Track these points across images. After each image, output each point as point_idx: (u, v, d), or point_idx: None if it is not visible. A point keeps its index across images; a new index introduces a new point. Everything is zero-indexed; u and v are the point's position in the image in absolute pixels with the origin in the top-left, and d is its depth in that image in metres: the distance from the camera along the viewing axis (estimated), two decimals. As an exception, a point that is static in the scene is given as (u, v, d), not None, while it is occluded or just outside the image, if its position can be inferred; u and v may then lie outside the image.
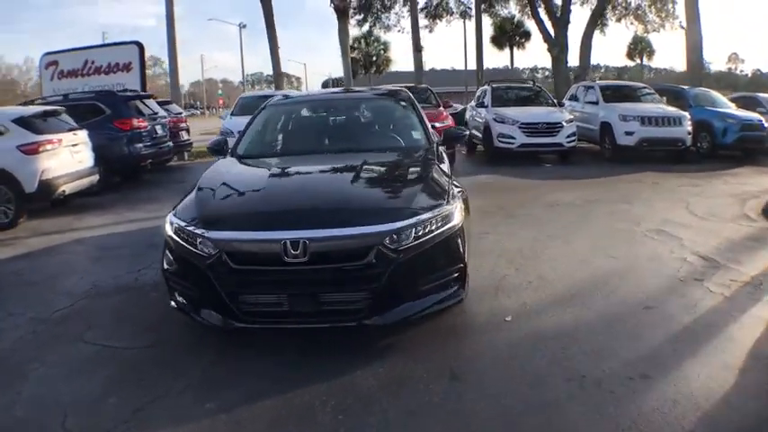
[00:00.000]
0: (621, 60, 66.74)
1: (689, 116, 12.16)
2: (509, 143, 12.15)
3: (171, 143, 12.93)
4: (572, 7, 20.29)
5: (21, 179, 7.97)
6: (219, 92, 76.49)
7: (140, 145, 11.20)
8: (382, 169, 4.35)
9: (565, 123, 12.05)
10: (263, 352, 3.61)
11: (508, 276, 4.88)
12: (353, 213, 3.54)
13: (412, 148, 4.92)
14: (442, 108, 13.18)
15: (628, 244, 5.72)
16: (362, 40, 46.47)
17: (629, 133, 11.95)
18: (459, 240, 3.71)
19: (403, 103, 5.62)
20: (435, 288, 3.60)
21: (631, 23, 23.83)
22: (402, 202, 3.67)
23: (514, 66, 51.39)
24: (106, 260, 5.98)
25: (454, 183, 4.27)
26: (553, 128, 11.97)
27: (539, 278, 4.80)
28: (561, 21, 19.38)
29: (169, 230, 3.83)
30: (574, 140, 12.20)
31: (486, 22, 25.40)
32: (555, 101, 13.74)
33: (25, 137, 8.12)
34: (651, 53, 58.33)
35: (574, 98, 14.69)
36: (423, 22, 23.57)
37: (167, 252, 3.83)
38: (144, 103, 12.50)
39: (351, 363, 3.40)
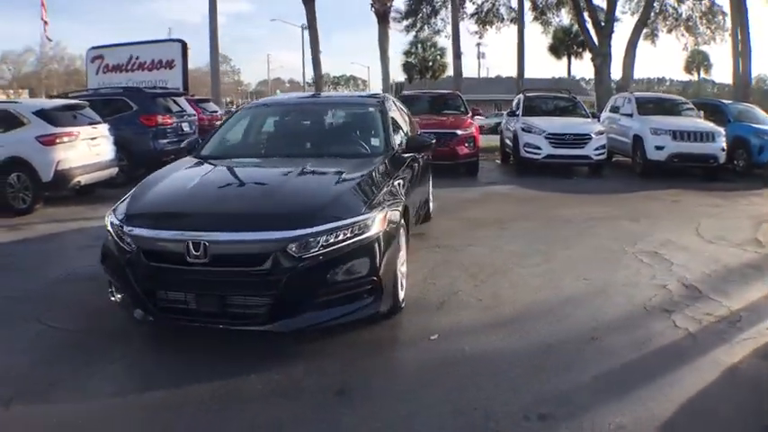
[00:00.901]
0: (684, 75, 63.91)
1: (723, 132, 11.39)
2: (535, 153, 11.73)
3: (199, 140, 13.18)
4: (623, 17, 19.71)
5: (38, 168, 8.32)
6: (278, 91, 77.96)
7: (165, 141, 11.45)
8: (315, 176, 4.24)
9: (593, 135, 11.51)
10: (185, 347, 3.69)
11: (461, 293, 4.64)
12: (258, 218, 3.53)
13: (368, 154, 4.83)
14: (469, 116, 12.87)
15: (610, 266, 5.34)
16: (419, 45, 46.40)
17: (659, 148, 11.27)
18: (374, 252, 3.58)
19: (371, 110, 5.51)
20: (344, 299, 3.54)
21: (682, 35, 22.76)
22: (314, 209, 3.58)
23: (571, 75, 50.04)
24: (95, 249, 6.09)
25: (397, 191, 4.20)
26: (581, 139, 11.47)
27: (492, 297, 4.53)
28: (605, 30, 18.65)
29: (107, 225, 3.95)
30: (602, 153, 11.64)
31: (540, 30, 24.66)
32: (588, 112, 13.20)
33: (44, 128, 8.45)
34: (708, 67, 55.79)
35: (612, 110, 14.04)
36: (473, 28, 23.36)
37: (103, 246, 4.00)
38: (173, 101, 12.79)
39: (252, 366, 3.39)
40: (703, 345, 3.64)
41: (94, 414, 2.98)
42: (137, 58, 17.84)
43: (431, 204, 7.46)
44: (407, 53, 49.05)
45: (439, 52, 48.78)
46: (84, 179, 8.91)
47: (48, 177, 8.32)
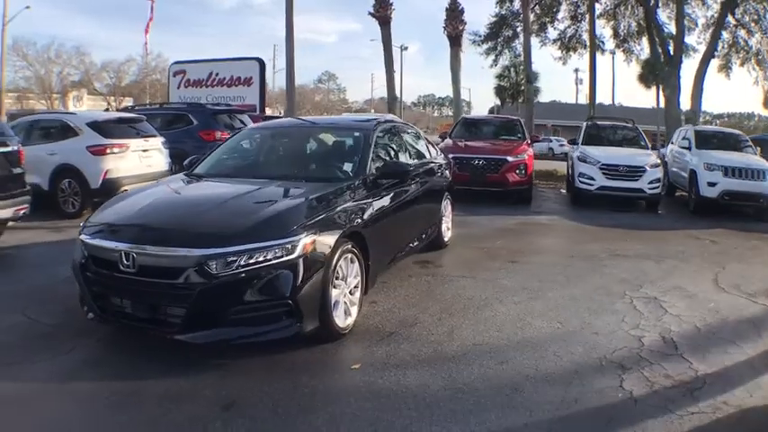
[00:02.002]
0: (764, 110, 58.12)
1: None
2: (588, 184, 11.21)
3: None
4: (700, 48, 18.56)
5: (87, 176, 9.00)
6: (372, 110, 79.71)
7: (221, 156, 11.94)
8: (259, 197, 4.27)
9: (648, 168, 10.84)
10: (134, 348, 3.97)
11: (419, 325, 4.48)
12: (180, 235, 3.70)
13: (335, 179, 4.80)
14: (525, 142, 12.46)
15: (597, 310, 4.92)
16: (511, 69, 45.81)
17: (711, 184, 10.40)
18: (291, 275, 3.62)
19: (356, 134, 5.51)
20: (259, 318, 3.62)
21: (753, 69, 20.92)
22: (233, 230, 3.68)
23: (660, 105, 47.19)
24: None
25: (347, 217, 4.23)
26: (635, 172, 10.85)
27: (447, 333, 4.34)
28: (674, 60, 17.55)
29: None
30: (657, 187, 10.93)
31: (625, 57, 23.46)
32: (648, 143, 12.41)
33: (95, 139, 9.14)
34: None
35: (675, 143, 13.23)
36: (556, 53, 22.75)
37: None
38: (237, 118, 13.37)
39: (170, 371, 3.59)
40: (638, 413, 3.19)
41: (19, 392, 3.39)
42: (217, 75, 18.73)
43: (447, 232, 7.29)
44: (500, 77, 48.40)
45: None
46: (131, 188, 9.48)
47: (96, 184, 8.96)
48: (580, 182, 11.39)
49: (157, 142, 10.14)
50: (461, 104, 20.45)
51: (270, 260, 3.57)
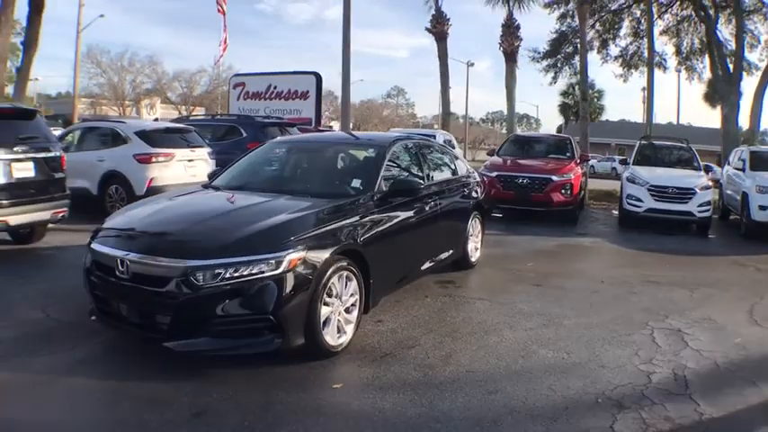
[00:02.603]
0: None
1: None
2: (636, 206, 10.74)
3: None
4: (761, 64, 17.43)
5: (133, 183, 9.40)
6: (435, 126, 79.71)
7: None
8: (256, 211, 4.31)
9: (698, 190, 10.28)
10: (132, 350, 4.14)
11: (417, 348, 4.38)
12: (170, 245, 3.82)
13: (341, 195, 4.79)
14: (573, 161, 12.09)
15: (610, 342, 4.65)
16: (576, 86, 44.85)
17: (763, 207, 9.68)
18: (275, 290, 3.63)
19: (370, 151, 5.50)
20: (241, 331, 3.67)
21: None
22: (224, 242, 3.75)
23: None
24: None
25: (345, 233, 4.21)
26: (684, 194, 10.31)
27: (443, 357, 4.21)
28: (732, 77, 16.54)
29: None
30: (707, 210, 10.36)
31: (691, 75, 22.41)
32: (700, 164, 11.75)
33: (142, 148, 9.54)
34: None
35: (730, 164, 12.52)
36: (618, 71, 22.05)
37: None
38: (286, 130, 13.63)
39: (150, 375, 3.71)
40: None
41: (10, 381, 3.64)
42: (275, 88, 19.03)
43: (475, 252, 7.12)
44: (564, 94, 47.39)
45: (596, 94, 46.67)
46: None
47: (141, 191, 9.33)
48: (628, 203, 10.95)
49: (203, 152, 10.46)
50: (515, 120, 20.03)
51: (254, 274, 3.59)
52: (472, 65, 57.89)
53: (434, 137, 15.19)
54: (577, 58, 19.88)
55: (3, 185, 6.13)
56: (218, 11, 25.21)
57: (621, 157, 23.09)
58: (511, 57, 18.40)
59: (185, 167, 9.99)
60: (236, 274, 3.56)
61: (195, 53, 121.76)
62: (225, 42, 26.24)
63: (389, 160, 5.35)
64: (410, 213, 5.26)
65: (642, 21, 18.95)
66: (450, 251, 6.34)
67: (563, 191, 11.00)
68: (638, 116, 57.94)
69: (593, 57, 22.51)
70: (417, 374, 3.89)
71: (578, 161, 12.38)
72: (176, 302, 3.59)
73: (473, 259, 7.09)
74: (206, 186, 5.41)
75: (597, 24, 20.49)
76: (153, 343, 3.82)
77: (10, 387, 3.57)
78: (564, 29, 20.08)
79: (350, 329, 4.26)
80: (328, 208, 4.36)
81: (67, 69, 38.19)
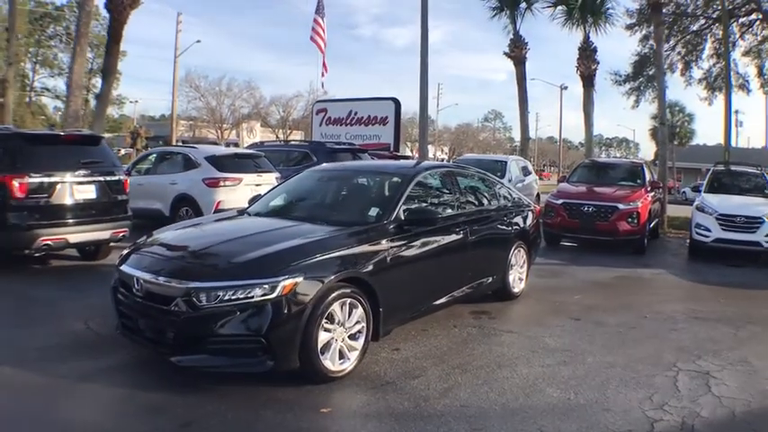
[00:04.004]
0: None
1: None
2: (704, 236, 10.20)
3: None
4: None
5: (201, 205, 10.06)
6: (515, 151, 78.34)
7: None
8: (263, 237, 4.53)
9: (767, 219, 9.54)
10: (149, 362, 4.48)
11: (422, 377, 4.40)
12: (178, 266, 4.19)
13: (357, 222, 4.91)
14: (643, 188, 11.56)
15: (628, 382, 4.41)
16: (667, 110, 42.65)
17: None
18: (267, 313, 3.83)
19: (394, 179, 5.58)
20: (236, 351, 3.91)
21: None
22: (225, 266, 4.03)
23: None
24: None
25: (349, 261, 4.35)
26: (752, 223, 9.68)
27: (443, 390, 4.20)
28: None
29: None
30: None
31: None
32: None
33: (210, 172, 10.21)
34: None
35: None
36: (702, 93, 20.85)
37: None
38: (358, 156, 13.95)
39: (158, 386, 4.04)
40: None
41: (33, 381, 4.11)
42: (355, 113, 19.46)
43: (518, 283, 7.00)
44: (655, 117, 45.31)
45: (687, 118, 44.56)
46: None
47: (209, 214, 9.91)
48: (696, 233, 10.39)
49: (271, 177, 10.97)
50: (592, 145, 19.25)
51: (250, 298, 3.83)
52: (566, 88, 56.20)
53: (505, 163, 15.04)
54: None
55: (64, 206, 6.81)
56: (312, 39, 25.80)
57: (695, 184, 21.70)
58: (588, 80, 17.79)
59: (252, 191, 10.49)
60: (233, 297, 3.81)
61: (291, 78, 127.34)
62: (324, 67, 26.93)
63: (415, 188, 5.43)
64: (432, 243, 5.28)
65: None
66: (485, 281, 6.27)
67: (629, 219, 10.61)
68: (738, 140, 54.03)
69: (677, 79, 21.52)
70: (408, 405, 3.91)
71: (648, 188, 11.84)
72: (179, 320, 3.89)
73: (516, 290, 6.96)
74: (240, 212, 5.73)
75: (679, 46, 19.51)
76: (163, 357, 4.14)
77: (30, 386, 4.03)
78: (646, 51, 19.24)
79: (354, 356, 4.36)
80: (337, 236, 4.51)
81: (168, 93, 41.19)
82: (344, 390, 4.12)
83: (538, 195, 15.42)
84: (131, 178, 11.49)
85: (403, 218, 5.00)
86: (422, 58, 14.28)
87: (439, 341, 5.28)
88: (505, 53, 19.75)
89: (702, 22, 19.01)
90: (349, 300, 4.28)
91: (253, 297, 3.81)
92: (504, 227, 6.73)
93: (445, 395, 4.10)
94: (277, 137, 44.95)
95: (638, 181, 12.08)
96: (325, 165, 7.02)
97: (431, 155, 48.56)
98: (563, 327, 5.96)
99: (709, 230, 10.04)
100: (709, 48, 19.81)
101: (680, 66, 19.96)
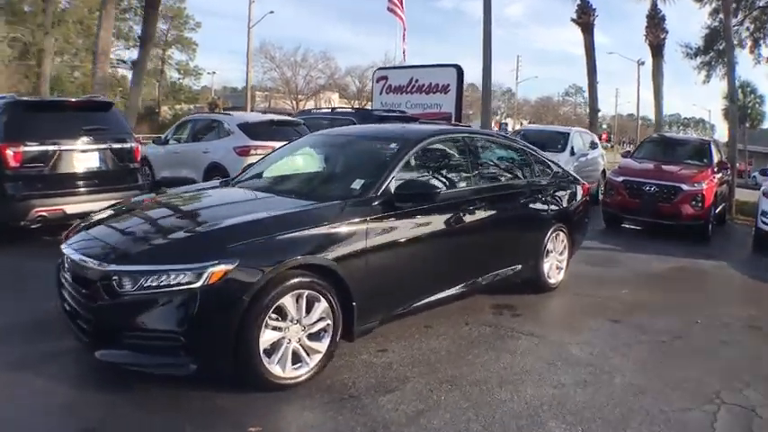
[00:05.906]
0: None
1: None
2: None
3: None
4: None
5: (231, 174, 9.54)
6: (604, 126, 74.11)
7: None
8: (223, 211, 3.98)
9: None
10: None
11: (398, 392, 3.64)
12: (99, 246, 3.60)
13: (333, 197, 4.12)
14: (710, 168, 10.23)
15: (655, 418, 3.44)
16: (740, 90, 39.05)
17: None
18: (193, 306, 3.19)
19: (393, 146, 4.64)
20: (155, 348, 3.29)
21: None
22: (148, 249, 3.46)
23: None
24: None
25: (308, 243, 3.61)
26: None
27: (416, 413, 3.41)
28: None
29: None
30: None
31: None
32: None
33: (242, 140, 9.72)
34: None
35: None
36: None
37: None
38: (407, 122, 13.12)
39: (111, 383, 3.50)
40: None
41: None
42: (416, 81, 18.55)
43: (555, 273, 6.07)
44: (727, 96, 41.68)
45: (758, 99, 41.32)
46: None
47: (238, 183, 9.49)
48: (762, 222, 9.02)
49: (309, 145, 10.39)
50: (662, 119, 17.48)
51: (171, 286, 3.18)
52: (643, 63, 51.99)
53: (567, 134, 13.67)
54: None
55: (63, 175, 6.44)
56: (389, 9, 24.93)
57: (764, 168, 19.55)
58: (657, 50, 16.02)
59: (285, 160, 10.00)
60: (153, 284, 3.19)
61: (366, 49, 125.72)
62: (404, 38, 26.11)
63: (417, 158, 4.60)
64: (433, 224, 4.44)
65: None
66: (509, 270, 5.38)
67: (693, 202, 9.40)
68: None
69: (747, 57, 19.17)
70: (366, 426, 3.18)
71: (715, 169, 10.43)
72: (95, 307, 3.32)
73: (552, 281, 6.00)
74: (224, 182, 5.17)
75: (747, 21, 17.28)
76: (87, 349, 3.58)
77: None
78: (716, 24, 17.18)
79: (315, 360, 3.66)
80: (299, 212, 3.79)
81: (244, 64, 41.29)
82: (292, 403, 3.42)
83: (603, 171, 14.01)
84: (168, 146, 11.34)
85: (393, 192, 4.15)
86: (484, 26, 13.39)
87: (439, 343, 4.48)
88: (573, 20, 18.21)
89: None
90: (307, 292, 3.55)
91: (174, 286, 3.17)
92: (538, 206, 5.76)
93: (414, 421, 3.30)
94: (352, 107, 44.56)
95: (705, 160, 10.79)
96: (324, 130, 6.22)
97: (510, 128, 46.64)
98: (596, 331, 5.00)
99: None
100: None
101: (749, 42, 17.95)
